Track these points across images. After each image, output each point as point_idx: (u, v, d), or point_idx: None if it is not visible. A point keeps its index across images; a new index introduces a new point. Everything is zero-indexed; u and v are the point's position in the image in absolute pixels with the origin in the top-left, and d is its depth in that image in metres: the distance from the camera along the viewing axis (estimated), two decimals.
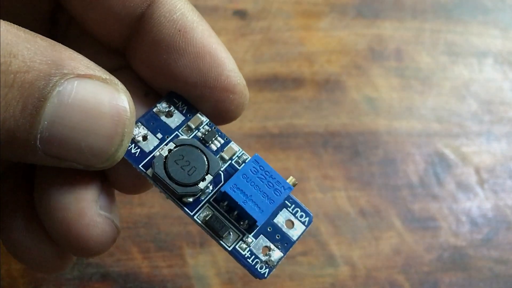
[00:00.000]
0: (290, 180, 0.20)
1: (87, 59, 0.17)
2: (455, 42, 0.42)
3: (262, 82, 0.36)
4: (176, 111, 0.21)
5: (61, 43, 0.17)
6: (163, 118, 0.21)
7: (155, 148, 0.20)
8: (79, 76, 0.17)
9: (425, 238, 0.31)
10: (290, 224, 0.20)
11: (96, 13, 0.20)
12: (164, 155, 0.19)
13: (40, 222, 0.20)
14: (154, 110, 0.21)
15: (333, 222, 0.31)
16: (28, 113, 0.16)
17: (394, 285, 0.29)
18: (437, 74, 0.39)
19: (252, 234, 0.20)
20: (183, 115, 0.21)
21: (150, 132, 0.20)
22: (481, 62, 0.41)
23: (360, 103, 0.37)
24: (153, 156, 0.20)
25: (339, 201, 0.32)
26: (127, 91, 0.18)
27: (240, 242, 0.20)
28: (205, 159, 0.20)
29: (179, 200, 0.20)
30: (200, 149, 0.20)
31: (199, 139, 0.21)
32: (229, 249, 0.19)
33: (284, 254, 0.20)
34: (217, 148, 0.21)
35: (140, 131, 0.20)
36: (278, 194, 0.20)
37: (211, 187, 0.20)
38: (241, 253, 0.19)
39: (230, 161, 0.21)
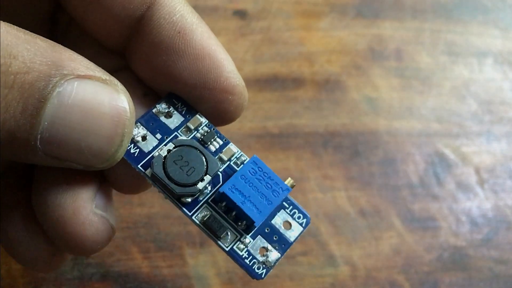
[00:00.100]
0: (288, 181, 0.20)
1: (87, 60, 0.17)
2: (455, 42, 0.42)
3: (262, 82, 0.36)
4: (175, 112, 0.21)
5: (61, 44, 0.17)
6: (162, 118, 0.21)
7: (154, 148, 0.20)
8: (79, 77, 0.17)
9: (425, 238, 0.31)
10: (288, 225, 0.20)
11: (96, 14, 0.20)
12: (163, 155, 0.19)
13: (37, 220, 0.20)
14: (154, 110, 0.21)
15: (333, 222, 0.31)
16: (29, 114, 0.16)
17: (394, 285, 0.29)
18: (437, 74, 0.39)
19: (249, 234, 0.20)
20: (183, 116, 0.21)
21: (150, 132, 0.21)
22: (481, 62, 0.41)
23: (360, 103, 0.37)
24: (152, 156, 0.20)
25: (339, 201, 0.32)
26: (127, 92, 0.18)
27: (238, 242, 0.20)
28: (204, 159, 0.20)
29: (177, 200, 0.20)
30: (199, 150, 0.20)
31: (198, 140, 0.21)
32: (227, 249, 0.20)
33: (282, 255, 0.20)
34: (216, 149, 0.21)
35: (139, 131, 0.20)
36: (276, 195, 0.20)
37: (209, 188, 0.20)
38: (238, 253, 0.20)
39: (228, 162, 0.21)
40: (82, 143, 0.17)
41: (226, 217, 0.20)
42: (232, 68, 0.21)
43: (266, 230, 0.20)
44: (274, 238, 0.20)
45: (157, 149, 0.20)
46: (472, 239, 0.32)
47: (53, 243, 0.20)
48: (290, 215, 0.21)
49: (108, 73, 0.18)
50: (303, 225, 0.21)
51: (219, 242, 0.20)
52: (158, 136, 0.21)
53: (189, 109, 0.21)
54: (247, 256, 0.20)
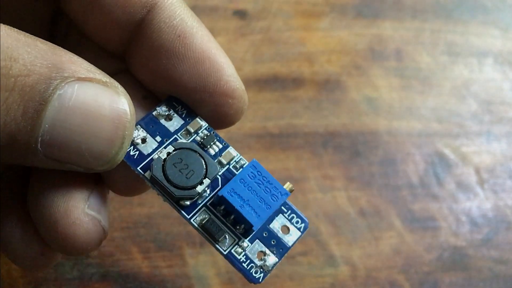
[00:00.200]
0: (287, 186, 0.20)
1: (87, 62, 0.17)
2: (455, 42, 0.41)
3: (262, 82, 0.36)
4: (175, 115, 0.21)
5: (61, 47, 0.17)
6: (162, 121, 0.21)
7: (153, 151, 0.20)
8: (80, 79, 0.17)
9: (425, 238, 0.31)
10: (286, 229, 0.21)
11: (96, 18, 0.20)
12: (163, 158, 0.19)
13: (31, 219, 0.20)
14: (154, 113, 0.21)
15: (333, 222, 0.31)
16: (29, 117, 0.16)
17: (394, 285, 0.29)
18: (437, 74, 0.39)
19: (248, 238, 0.20)
20: (183, 119, 0.21)
21: (149, 135, 0.21)
22: (481, 62, 0.41)
23: (360, 103, 0.37)
24: (152, 159, 0.20)
25: (339, 201, 0.32)
26: (127, 94, 0.18)
27: (236, 246, 0.20)
28: (203, 163, 0.20)
29: (176, 203, 0.20)
30: (198, 153, 0.20)
31: (197, 143, 0.21)
32: (225, 253, 0.20)
33: (279, 259, 0.20)
34: (216, 152, 0.21)
35: (139, 133, 0.20)
36: (275, 199, 0.20)
37: (208, 191, 0.20)
38: (236, 257, 0.20)
39: (228, 166, 0.21)
40: (83, 146, 0.17)
41: (224, 220, 0.20)
42: (232, 72, 0.21)
43: (264, 234, 0.20)
44: (272, 243, 0.20)
45: (157, 151, 0.20)
46: (472, 239, 0.32)
47: (44, 242, 0.20)
48: (288, 220, 0.21)
49: (108, 76, 0.18)
50: (301, 230, 0.21)
51: (217, 246, 0.20)
52: (158, 138, 0.21)
53: (189, 112, 0.21)
54: (244, 260, 0.20)
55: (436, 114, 0.37)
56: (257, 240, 0.20)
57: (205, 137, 0.21)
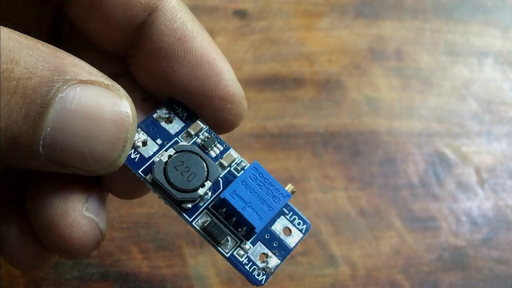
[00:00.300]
0: (289, 187, 0.20)
1: (89, 65, 0.17)
2: (455, 42, 0.41)
3: (262, 82, 0.36)
4: (176, 117, 0.21)
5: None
6: (163, 124, 0.21)
7: (154, 153, 0.20)
8: (81, 82, 0.17)
9: (425, 238, 0.31)
10: (288, 231, 0.21)
11: (97, 21, 0.20)
12: (164, 161, 0.19)
13: (28, 221, 0.20)
14: (154, 116, 0.21)
15: (333, 222, 0.31)
16: (31, 120, 0.16)
17: (394, 285, 0.29)
18: (437, 74, 0.39)
19: (250, 240, 0.20)
20: (183, 121, 0.21)
21: (150, 137, 0.20)
22: (481, 62, 0.41)
23: (360, 103, 0.37)
24: (153, 162, 0.20)
25: (339, 201, 0.32)
26: (129, 97, 0.18)
27: (238, 248, 0.20)
28: (205, 165, 0.20)
29: (178, 206, 0.20)
30: (200, 156, 0.20)
31: (198, 145, 0.21)
32: (227, 255, 0.19)
33: (281, 261, 0.20)
34: (217, 154, 0.21)
35: (140, 136, 0.20)
36: (276, 201, 0.20)
37: (210, 194, 0.20)
38: (239, 259, 0.20)
39: (229, 168, 0.21)
40: (85, 149, 0.17)
41: (226, 223, 0.20)
42: (231, 76, 0.21)
43: (266, 236, 0.20)
44: (274, 244, 0.20)
45: (158, 154, 0.20)
46: (472, 239, 0.32)
47: (41, 244, 0.20)
48: (290, 221, 0.21)
49: (110, 78, 0.18)
50: (303, 231, 0.21)
51: (219, 248, 0.19)
52: (159, 141, 0.20)
53: (189, 115, 0.21)
54: (247, 262, 0.20)
55: (436, 114, 0.37)
56: (259, 242, 0.20)
57: (206, 139, 0.21)
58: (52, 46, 0.17)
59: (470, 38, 0.42)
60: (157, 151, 0.20)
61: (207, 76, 0.21)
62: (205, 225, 0.19)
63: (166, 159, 0.19)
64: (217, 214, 0.20)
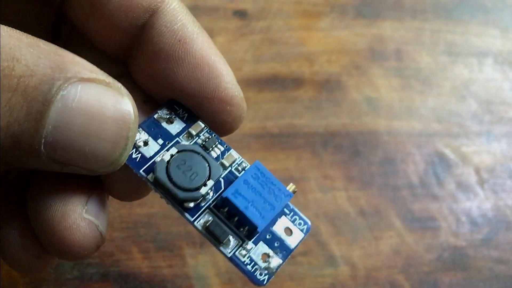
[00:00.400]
0: (290, 187, 0.20)
1: (90, 63, 0.17)
2: (455, 42, 0.42)
3: (262, 82, 0.36)
4: (176, 118, 0.21)
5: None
6: (164, 124, 0.21)
7: (156, 153, 0.20)
8: (83, 80, 0.17)
9: (425, 238, 0.31)
10: (289, 231, 0.20)
11: (98, 22, 0.20)
12: (166, 160, 0.19)
13: (29, 222, 0.20)
14: (155, 116, 0.21)
15: (333, 222, 0.31)
16: (33, 118, 0.16)
17: (394, 285, 0.29)
18: (437, 74, 0.39)
19: (252, 240, 0.20)
20: (184, 122, 0.21)
21: (151, 137, 0.20)
22: (481, 62, 0.41)
23: (360, 103, 0.37)
24: (154, 162, 0.20)
25: (339, 201, 0.32)
26: (130, 95, 0.18)
27: (240, 248, 0.20)
28: (207, 165, 0.20)
29: (180, 205, 0.19)
30: (201, 155, 0.20)
31: (199, 146, 0.21)
32: (229, 255, 0.19)
33: (283, 261, 0.20)
34: (218, 155, 0.21)
35: (141, 136, 0.20)
36: (278, 200, 0.20)
37: (211, 194, 0.20)
38: (240, 259, 0.19)
39: (230, 168, 0.21)
40: (87, 147, 0.17)
41: (228, 222, 0.20)
42: (231, 79, 0.21)
43: (267, 236, 0.20)
44: (276, 244, 0.20)
45: (159, 154, 0.20)
46: (472, 239, 0.32)
47: (41, 245, 0.20)
48: (291, 221, 0.21)
49: (111, 77, 0.18)
50: (304, 231, 0.21)
51: (221, 248, 0.19)
52: (160, 141, 0.20)
53: (190, 115, 0.21)
54: (249, 262, 0.19)
55: (436, 114, 0.37)
56: (261, 242, 0.20)
57: (207, 140, 0.21)
58: (52, 44, 0.17)
59: (470, 38, 0.42)
60: (159, 151, 0.20)
61: (206, 78, 0.21)
62: (207, 225, 0.19)
63: (168, 158, 0.19)
64: (218, 214, 0.20)
